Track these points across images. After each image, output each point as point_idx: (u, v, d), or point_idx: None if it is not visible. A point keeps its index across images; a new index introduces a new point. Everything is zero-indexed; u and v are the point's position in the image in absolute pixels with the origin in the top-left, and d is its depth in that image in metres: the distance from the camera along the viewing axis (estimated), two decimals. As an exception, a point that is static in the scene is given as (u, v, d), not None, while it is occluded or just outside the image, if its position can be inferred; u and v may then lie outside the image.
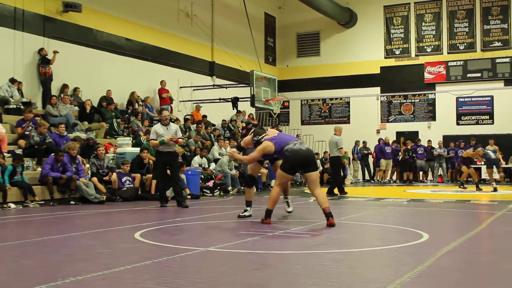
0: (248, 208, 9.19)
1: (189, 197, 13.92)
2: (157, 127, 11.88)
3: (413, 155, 23.98)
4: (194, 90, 22.60)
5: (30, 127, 13.58)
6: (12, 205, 11.26)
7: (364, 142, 25.26)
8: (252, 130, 9.37)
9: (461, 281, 4.54)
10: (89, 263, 5.17)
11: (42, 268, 4.99)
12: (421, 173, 24.70)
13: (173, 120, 18.24)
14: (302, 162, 8.23)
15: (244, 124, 22.80)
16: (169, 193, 13.41)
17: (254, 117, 25.40)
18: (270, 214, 8.32)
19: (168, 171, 11.96)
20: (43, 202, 11.97)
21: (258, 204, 11.10)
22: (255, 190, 11.29)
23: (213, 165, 16.99)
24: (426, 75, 26.30)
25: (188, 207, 11.46)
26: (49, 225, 9.03)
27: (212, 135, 20.03)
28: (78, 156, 13.08)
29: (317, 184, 8.33)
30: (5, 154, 12.25)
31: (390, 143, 24.30)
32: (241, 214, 9.18)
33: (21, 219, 9.40)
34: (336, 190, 15.26)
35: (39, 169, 12.70)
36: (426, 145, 24.52)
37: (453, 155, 23.73)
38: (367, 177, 25.30)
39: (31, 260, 5.40)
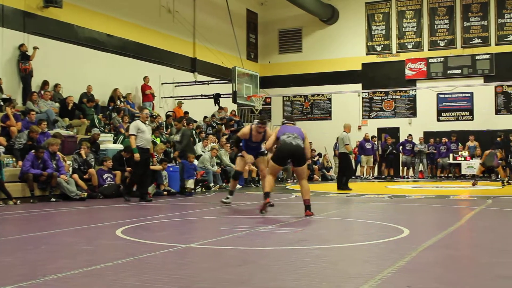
0: (230, 196, 10.72)
1: (165, 193, 14.08)
2: (139, 123, 12.14)
3: (394, 151, 24.11)
4: (176, 86, 22.53)
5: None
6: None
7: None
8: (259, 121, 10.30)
9: (442, 276, 4.59)
10: (70, 260, 5.14)
11: (22, 266, 4.95)
12: (404, 168, 24.85)
13: (155, 116, 18.21)
14: (289, 155, 8.88)
15: (225, 121, 22.77)
16: (151, 189, 13.46)
17: (236, 114, 25.39)
18: (268, 195, 8.99)
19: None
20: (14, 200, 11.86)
21: (240, 200, 11.14)
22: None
23: (195, 162, 16.95)
24: (407, 72, 26.44)
25: (151, 201, 12.07)
26: (30, 222, 8.97)
27: (194, 131, 19.97)
28: (58, 152, 12.98)
29: (303, 177, 8.98)
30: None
31: (371, 139, 24.39)
32: (223, 199, 10.72)
33: (0, 217, 9.31)
34: (352, 185, 15.61)
35: (19, 166, 12.57)
36: (406, 140, 24.61)
37: (435, 151, 23.95)
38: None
39: (10, 258, 5.36)
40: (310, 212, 8.67)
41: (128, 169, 13.06)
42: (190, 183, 14.15)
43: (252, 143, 10.51)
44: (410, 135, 24.68)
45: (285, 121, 9.40)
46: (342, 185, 15.76)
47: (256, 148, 10.64)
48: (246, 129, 10.50)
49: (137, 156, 11.93)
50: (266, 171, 9.79)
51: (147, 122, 12.47)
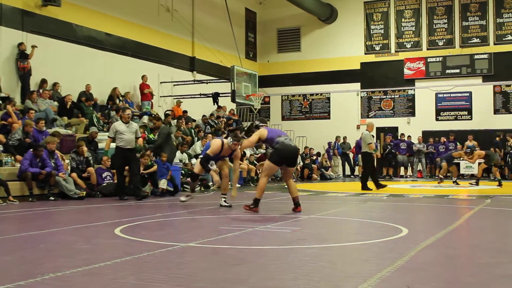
0: (191, 194, 11.19)
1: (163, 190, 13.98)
2: (118, 125, 12.59)
3: (393, 150, 24.11)
4: (174, 85, 22.52)
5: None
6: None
7: (344, 138, 25.45)
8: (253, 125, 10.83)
9: (441, 275, 4.59)
10: (68, 259, 5.14)
11: (20, 265, 4.94)
12: (402, 168, 24.87)
13: (153, 115, 18.20)
14: (290, 156, 9.26)
15: (224, 120, 22.78)
16: (147, 188, 13.47)
17: (235, 113, 25.40)
18: (258, 203, 9.19)
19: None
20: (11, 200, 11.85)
21: (239, 199, 11.12)
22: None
23: (194, 161, 16.94)
24: (406, 71, 26.46)
25: (144, 198, 12.35)
26: (28, 221, 8.95)
27: (192, 130, 19.97)
28: (56, 151, 12.97)
29: (291, 176, 9.66)
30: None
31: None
32: (181, 199, 11.17)
33: (-1, 215, 9.31)
34: (372, 185, 15.37)
35: (18, 164, 12.56)
36: (400, 140, 24.68)
37: (434, 150, 23.97)
38: (347, 172, 25.52)
39: (9, 256, 5.35)
40: (300, 208, 9.33)
41: (126, 168, 13.07)
42: (162, 183, 13.86)
43: (219, 157, 10.51)
44: (402, 134, 24.76)
45: (261, 124, 9.79)
46: (371, 185, 15.44)
47: (219, 160, 10.68)
48: (216, 144, 10.31)
49: (105, 158, 13.37)
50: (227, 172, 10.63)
51: (130, 122, 12.75)
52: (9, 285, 4.04)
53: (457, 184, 17.69)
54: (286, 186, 9.82)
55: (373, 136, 16.68)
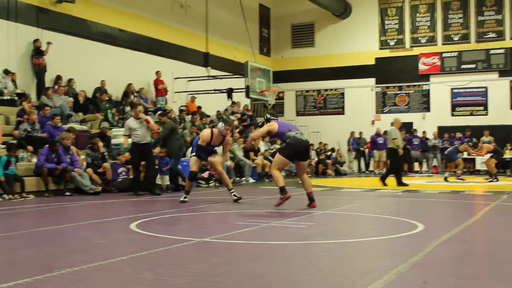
0: (187, 196, 10.41)
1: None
2: (130, 122, 12.63)
3: (408, 146, 23.99)
4: (188, 81, 22.54)
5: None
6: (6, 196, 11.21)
7: (360, 133, 25.37)
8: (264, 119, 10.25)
9: (457, 271, 4.56)
10: (85, 254, 5.17)
11: (38, 259, 4.98)
12: (416, 163, 24.76)
13: (167, 111, 18.23)
14: (302, 150, 9.19)
15: (239, 115, 22.78)
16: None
17: (249, 108, 25.39)
18: (284, 190, 9.09)
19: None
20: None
21: (254, 195, 11.12)
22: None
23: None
24: (421, 66, 26.30)
25: (159, 195, 12.28)
26: (45, 216, 9.03)
27: (207, 126, 19.99)
28: (71, 147, 13.05)
29: (305, 171, 9.58)
30: (0, 145, 12.21)
31: (382, 134, 24.28)
32: (181, 199, 10.41)
33: (16, 210, 9.38)
34: (392, 181, 15.18)
35: (34, 159, 12.64)
36: (421, 136, 24.60)
37: (449, 146, 23.80)
38: (363, 168, 25.48)
39: (27, 251, 5.39)
40: (315, 203, 9.23)
41: (142, 163, 13.11)
42: (159, 179, 13.78)
43: (210, 147, 10.41)
44: (415, 130, 24.59)
45: (272, 117, 9.68)
46: (398, 181, 15.14)
47: (211, 151, 10.50)
48: (206, 133, 10.31)
49: (126, 155, 13.20)
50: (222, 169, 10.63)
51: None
52: (27, 279, 4.08)
53: (461, 179, 17.58)
54: (300, 182, 9.79)
55: (410, 132, 16.28)
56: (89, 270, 4.43)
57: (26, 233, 6.66)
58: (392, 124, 15.74)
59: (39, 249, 5.53)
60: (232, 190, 10.50)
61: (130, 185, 13.05)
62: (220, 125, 10.31)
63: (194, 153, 10.58)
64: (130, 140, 12.57)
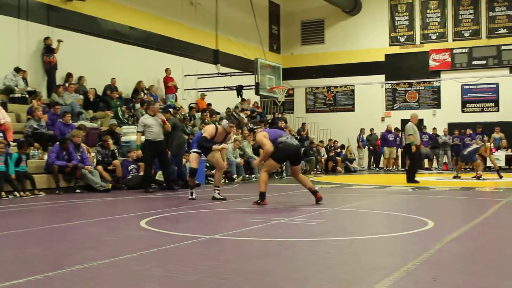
0: (194, 192, 10.46)
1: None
2: (145, 119, 12.63)
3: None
4: (198, 78, 22.58)
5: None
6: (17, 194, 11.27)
7: (371, 130, 25.25)
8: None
9: (467, 268, 4.55)
10: (95, 251, 5.19)
11: (48, 256, 5.01)
12: (426, 160, 24.65)
13: (177, 108, 18.27)
14: (293, 154, 9.32)
15: (248, 112, 22.79)
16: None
17: (259, 105, 25.39)
18: (264, 196, 9.23)
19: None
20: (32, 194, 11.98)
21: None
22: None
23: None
24: (431, 63, 26.19)
25: (176, 190, 12.45)
26: (55, 213, 9.07)
27: (217, 123, 19.98)
28: (82, 144, 13.10)
29: (299, 172, 9.56)
30: (11, 143, 12.27)
31: (393, 131, 24.21)
32: (189, 197, 10.36)
33: (27, 208, 9.43)
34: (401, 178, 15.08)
35: (45, 157, 12.70)
36: (431, 132, 24.48)
37: (459, 143, 23.68)
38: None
39: (37, 248, 5.42)
40: (320, 194, 9.31)
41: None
42: (159, 175, 13.70)
43: (212, 143, 10.30)
44: (424, 126, 24.36)
45: (255, 127, 10.02)
46: (410, 178, 15.06)
47: (210, 148, 10.35)
48: (211, 129, 10.35)
49: (139, 153, 12.97)
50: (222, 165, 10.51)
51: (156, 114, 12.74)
52: (38, 276, 4.10)
53: (483, 180, 17.44)
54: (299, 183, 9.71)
55: (419, 128, 16.05)
56: (98, 267, 4.45)
57: (36, 230, 6.70)
58: (410, 120, 15.44)
59: (49, 246, 5.56)
60: (218, 189, 10.33)
61: (140, 182, 13.09)
62: (225, 122, 10.36)
63: (194, 149, 10.49)
64: (143, 138, 12.58)
